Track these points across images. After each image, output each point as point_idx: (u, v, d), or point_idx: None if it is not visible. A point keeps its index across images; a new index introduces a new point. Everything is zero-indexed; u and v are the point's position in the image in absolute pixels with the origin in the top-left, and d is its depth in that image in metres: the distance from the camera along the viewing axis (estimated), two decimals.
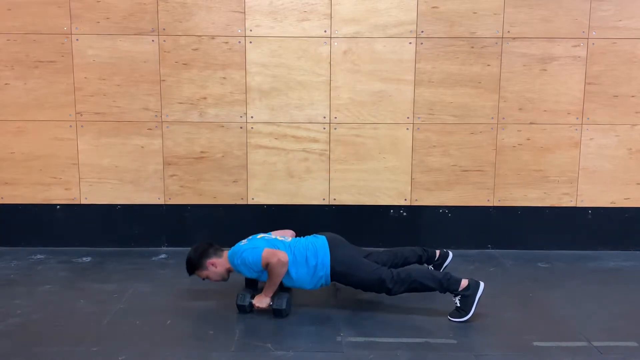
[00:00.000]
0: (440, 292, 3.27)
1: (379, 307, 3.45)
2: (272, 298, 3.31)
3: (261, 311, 3.31)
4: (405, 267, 3.45)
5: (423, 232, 4.52)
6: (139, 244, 4.54)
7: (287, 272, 3.32)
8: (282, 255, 3.26)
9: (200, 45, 4.34)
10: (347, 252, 3.41)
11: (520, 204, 4.51)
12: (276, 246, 3.36)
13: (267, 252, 3.26)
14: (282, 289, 3.43)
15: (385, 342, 3.00)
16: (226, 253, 3.46)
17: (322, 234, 3.50)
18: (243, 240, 3.49)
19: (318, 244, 3.39)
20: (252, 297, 3.34)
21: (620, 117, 4.43)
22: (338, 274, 3.36)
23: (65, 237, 4.52)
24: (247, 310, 3.32)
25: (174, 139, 4.44)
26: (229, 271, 3.47)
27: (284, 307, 3.25)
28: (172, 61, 4.35)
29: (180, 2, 4.29)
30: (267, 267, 3.26)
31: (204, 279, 3.49)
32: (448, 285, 3.24)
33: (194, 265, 3.45)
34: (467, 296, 3.22)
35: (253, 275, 3.36)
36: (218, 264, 3.43)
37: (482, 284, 3.24)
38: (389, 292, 3.30)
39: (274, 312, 3.28)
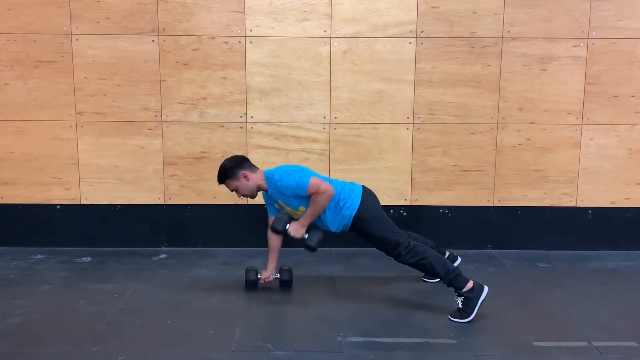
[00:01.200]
0: (444, 282, 3.27)
1: (379, 307, 3.45)
2: (307, 231, 3.37)
3: (261, 310, 3.30)
4: (424, 245, 3.45)
5: (423, 232, 4.49)
6: (139, 244, 4.54)
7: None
8: (329, 188, 3.31)
9: (200, 45, 4.34)
10: (377, 207, 3.49)
11: (520, 204, 4.52)
12: (324, 179, 3.41)
13: (316, 180, 3.32)
14: (279, 288, 3.47)
15: (385, 342, 3.00)
16: (261, 171, 3.51)
17: (360, 184, 3.56)
18: (282, 165, 3.55)
19: (354, 187, 3.47)
20: (288, 223, 3.37)
21: (620, 117, 4.43)
22: (361, 220, 3.39)
23: (65, 237, 4.52)
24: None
25: (174, 139, 4.44)
26: (259, 189, 3.49)
27: (314, 244, 3.33)
28: (172, 61, 4.35)
29: (180, 2, 4.29)
30: (311, 195, 3.30)
31: (232, 190, 3.51)
32: (454, 280, 3.24)
33: (226, 173, 3.47)
34: (470, 298, 3.22)
35: (288, 198, 3.39)
36: (251, 177, 3.46)
37: (486, 289, 3.24)
38: (398, 257, 3.34)
39: (305, 246, 3.35)
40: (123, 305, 3.46)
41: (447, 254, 3.81)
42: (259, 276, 3.69)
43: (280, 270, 3.70)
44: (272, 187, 3.43)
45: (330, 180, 3.49)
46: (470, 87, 4.39)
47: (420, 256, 3.30)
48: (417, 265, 3.34)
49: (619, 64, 4.37)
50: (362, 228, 3.43)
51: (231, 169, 3.46)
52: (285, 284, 3.71)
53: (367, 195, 3.49)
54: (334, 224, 3.45)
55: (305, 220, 3.37)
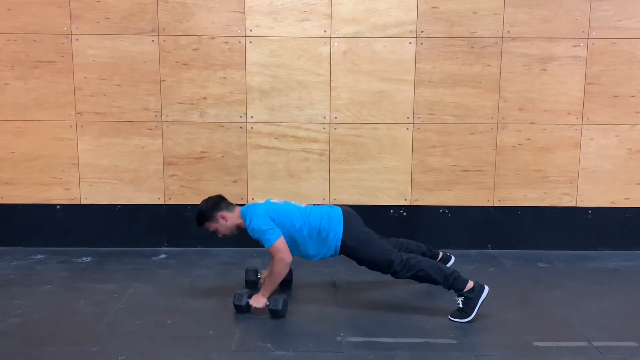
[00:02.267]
0: (445, 287, 3.27)
1: (379, 307, 3.45)
2: (269, 299, 3.31)
3: (259, 311, 3.31)
4: (416, 255, 3.42)
5: (423, 232, 4.52)
6: (139, 244, 4.54)
7: (298, 241, 3.34)
8: (287, 256, 3.26)
9: (200, 45, 4.34)
10: (361, 228, 3.42)
11: (520, 204, 4.51)
12: (291, 216, 3.35)
13: (280, 244, 3.26)
14: (280, 288, 3.44)
15: (385, 342, 3.00)
16: (239, 209, 3.47)
17: (338, 205, 3.51)
18: (259, 201, 3.51)
19: (333, 214, 3.39)
20: (250, 296, 3.34)
21: (620, 117, 4.43)
22: (348, 247, 3.35)
23: (65, 237, 4.52)
24: (244, 310, 3.32)
25: (174, 139, 4.44)
26: (238, 227, 3.46)
27: (280, 307, 3.25)
28: (172, 61, 4.35)
29: (180, 2, 4.29)
30: (272, 256, 3.27)
31: (212, 232, 3.49)
32: (454, 283, 3.23)
33: (204, 216, 3.45)
34: (471, 298, 3.21)
35: (255, 237, 3.35)
36: (229, 217, 3.43)
37: (486, 288, 3.24)
38: (395, 275, 3.31)
39: (270, 313, 3.28)
40: (123, 305, 3.46)
41: (441, 254, 3.79)
42: (259, 276, 3.69)
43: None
44: (246, 226, 3.38)
45: (309, 210, 3.42)
46: (470, 87, 4.39)
47: (417, 268, 3.27)
48: (415, 278, 3.32)
49: (619, 64, 4.37)
50: (350, 254, 3.40)
51: (208, 212, 3.44)
52: (285, 283, 3.71)
53: (349, 218, 3.40)
54: (319, 255, 3.40)
55: (265, 291, 3.32)
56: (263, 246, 3.32)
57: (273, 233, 3.28)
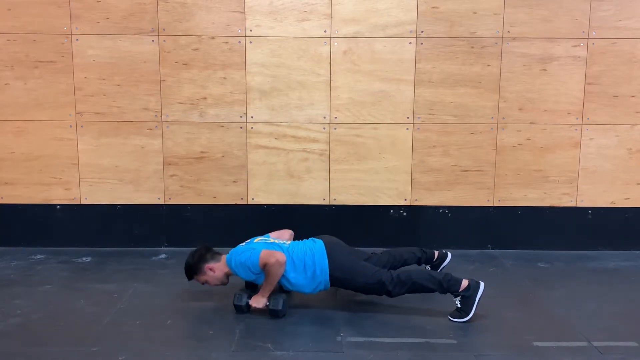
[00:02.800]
0: (441, 293, 3.27)
1: (379, 307, 3.45)
2: (269, 299, 3.30)
3: (259, 311, 3.31)
4: (405, 268, 3.44)
5: (423, 232, 4.52)
6: (139, 244, 4.54)
7: (287, 278, 3.32)
8: (280, 256, 3.26)
9: (200, 45, 4.34)
10: (346, 257, 3.39)
11: (520, 204, 4.51)
12: (274, 249, 3.36)
13: (265, 253, 3.27)
14: (280, 288, 3.44)
15: (385, 342, 3.00)
16: (224, 257, 3.45)
17: (319, 238, 3.49)
18: (241, 244, 3.49)
19: (316, 249, 3.37)
20: (249, 297, 3.34)
21: (620, 117, 4.43)
22: (337, 279, 3.35)
23: (65, 237, 4.52)
24: (244, 310, 3.32)
25: (174, 139, 4.44)
26: (227, 275, 3.45)
27: (280, 307, 3.25)
28: (172, 61, 4.35)
29: (180, 2, 4.29)
30: (265, 268, 3.26)
31: (203, 284, 3.49)
32: (448, 286, 3.24)
33: (192, 271, 3.44)
34: (468, 297, 3.22)
35: (251, 278, 3.35)
36: (216, 268, 3.42)
37: (482, 284, 3.24)
38: (390, 295, 3.30)
39: (270, 313, 3.28)
40: (123, 305, 3.46)
41: (436, 253, 3.76)
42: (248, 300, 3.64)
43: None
44: (234, 271, 3.38)
45: (291, 250, 3.38)
46: (470, 87, 4.39)
47: (409, 282, 3.27)
48: (410, 292, 3.31)
49: (619, 64, 4.37)
50: (341, 285, 3.40)
51: (195, 266, 3.42)
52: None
53: (331, 250, 3.37)
54: (310, 288, 3.37)
55: (264, 291, 3.31)
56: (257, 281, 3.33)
57: (252, 251, 3.29)
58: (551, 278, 3.99)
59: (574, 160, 4.47)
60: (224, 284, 3.48)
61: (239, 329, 3.15)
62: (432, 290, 3.27)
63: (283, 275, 3.31)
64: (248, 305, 3.32)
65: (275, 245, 3.41)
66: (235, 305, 3.33)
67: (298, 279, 3.33)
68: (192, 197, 4.49)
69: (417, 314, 3.34)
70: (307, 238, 3.53)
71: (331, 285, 3.38)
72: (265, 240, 3.49)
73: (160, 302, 3.51)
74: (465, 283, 3.24)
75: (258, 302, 3.31)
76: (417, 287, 3.28)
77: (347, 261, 3.37)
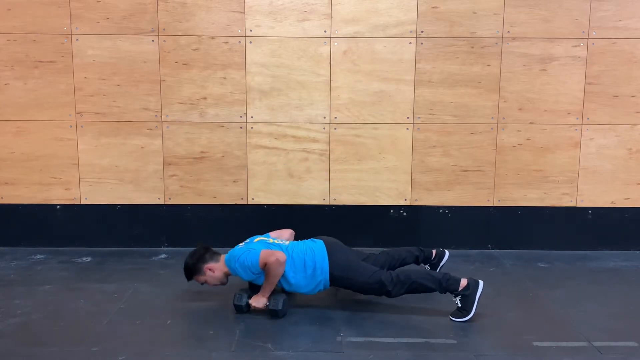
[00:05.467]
0: (440, 292, 3.27)
1: (379, 307, 3.45)
2: (269, 299, 3.30)
3: (259, 311, 3.31)
4: (404, 268, 3.45)
5: (423, 232, 4.52)
6: (139, 244, 4.54)
7: (286, 277, 3.32)
8: (280, 255, 3.26)
9: (200, 45, 4.34)
10: (346, 257, 3.39)
11: (520, 204, 4.51)
12: (274, 249, 3.36)
13: (264, 253, 3.27)
14: (282, 290, 3.44)
15: (385, 342, 3.00)
16: (223, 257, 3.46)
17: (319, 238, 3.49)
18: (240, 244, 3.49)
19: (316, 249, 3.38)
20: (249, 297, 3.34)
21: (620, 117, 4.43)
22: (337, 279, 3.36)
23: (65, 237, 4.52)
24: (244, 310, 3.32)
25: (174, 139, 4.44)
26: (227, 275, 3.46)
27: (279, 307, 3.25)
28: (172, 61, 4.35)
29: (180, 2, 4.29)
30: (265, 268, 3.26)
31: (202, 284, 3.49)
32: (447, 286, 3.24)
33: (191, 271, 3.44)
34: (467, 296, 3.22)
35: (251, 278, 3.35)
36: (215, 268, 3.42)
37: (481, 283, 3.25)
38: (389, 295, 3.31)
39: (270, 313, 3.28)
40: (123, 305, 3.46)
41: (434, 252, 3.77)
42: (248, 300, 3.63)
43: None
44: (234, 272, 3.38)
45: (290, 250, 3.39)
46: (470, 87, 4.39)
47: (408, 282, 3.27)
48: (410, 292, 3.31)
49: (619, 64, 4.37)
50: (340, 284, 3.40)
51: (195, 266, 3.42)
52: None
53: (331, 249, 3.38)
54: (309, 288, 3.37)
55: (265, 291, 3.31)
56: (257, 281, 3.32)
57: (252, 251, 3.29)
58: (551, 278, 3.99)
59: (574, 160, 4.47)
60: (223, 283, 3.49)
61: (239, 329, 3.15)
62: (431, 290, 3.28)
63: (282, 276, 3.31)
64: (248, 305, 3.32)
65: (275, 245, 3.41)
66: (235, 305, 3.33)
67: (297, 279, 3.33)
68: (192, 197, 4.50)
69: (417, 314, 3.34)
70: (307, 238, 3.53)
71: (331, 285, 3.39)
72: (265, 239, 3.49)
73: (160, 302, 3.51)
74: (464, 282, 3.24)
75: (258, 302, 3.31)
76: (416, 287, 3.28)
77: (347, 261, 3.37)
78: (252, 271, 3.30)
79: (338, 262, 3.35)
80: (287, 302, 3.33)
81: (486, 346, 2.99)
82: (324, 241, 3.44)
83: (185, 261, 3.46)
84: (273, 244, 3.43)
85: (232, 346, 2.95)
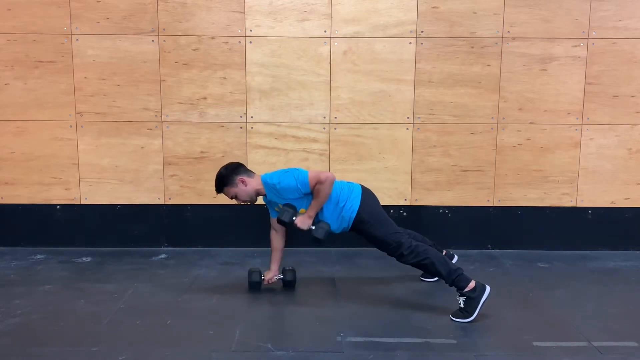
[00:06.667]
0: (447, 282, 3.27)
1: (379, 307, 3.45)
2: (314, 224, 3.37)
3: (261, 311, 3.30)
4: (425, 245, 3.44)
5: (423, 232, 4.48)
6: (139, 244, 4.54)
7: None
8: (330, 175, 3.32)
9: (200, 45, 4.34)
10: (377, 206, 3.49)
11: (520, 204, 4.52)
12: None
13: (315, 172, 3.34)
14: (283, 288, 3.46)
15: (385, 342, 3.00)
16: (259, 175, 3.49)
17: (358, 184, 3.56)
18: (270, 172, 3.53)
19: (353, 188, 3.48)
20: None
21: (620, 117, 4.43)
22: (362, 222, 3.40)
23: (65, 237, 4.52)
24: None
25: (174, 139, 4.44)
26: (257, 194, 3.48)
27: (322, 237, 3.33)
28: (172, 61, 4.35)
29: (180, 2, 4.29)
30: (314, 187, 3.31)
31: (231, 198, 3.49)
32: (456, 280, 3.24)
33: (224, 180, 3.45)
34: (472, 298, 3.21)
35: (293, 197, 3.38)
36: (248, 182, 3.44)
37: (488, 288, 3.24)
38: (400, 258, 3.35)
39: (312, 240, 3.36)
40: (123, 305, 3.46)
41: (444, 252, 3.80)
42: (262, 277, 3.69)
43: (284, 271, 3.70)
44: (271, 191, 3.42)
45: None
46: (470, 87, 4.39)
47: (423, 256, 3.30)
48: (419, 265, 3.34)
49: (619, 64, 4.37)
50: (362, 229, 3.43)
51: (228, 176, 3.44)
52: (288, 284, 3.71)
53: (367, 195, 3.48)
54: (334, 225, 3.44)
55: (311, 211, 3.37)
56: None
57: (299, 172, 3.36)
58: (551, 278, 3.99)
59: (574, 160, 4.47)
60: (252, 201, 3.51)
61: (239, 329, 3.14)
62: (439, 275, 3.29)
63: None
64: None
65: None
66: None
67: (327, 210, 3.40)
68: (192, 197, 4.50)
69: (417, 314, 3.34)
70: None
71: (352, 229, 3.45)
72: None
73: (160, 302, 3.51)
74: (472, 284, 3.23)
75: (303, 223, 3.37)
76: (428, 264, 3.30)
77: (377, 210, 3.47)
78: (302, 190, 3.34)
79: (369, 207, 3.43)
80: (329, 232, 3.39)
81: (486, 346, 2.99)
82: (362, 187, 3.52)
83: (219, 171, 3.48)
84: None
85: (232, 346, 2.95)
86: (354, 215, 3.39)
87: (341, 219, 3.41)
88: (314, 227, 3.37)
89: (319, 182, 3.29)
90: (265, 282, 3.65)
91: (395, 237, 3.35)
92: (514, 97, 4.40)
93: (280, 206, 3.45)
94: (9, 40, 4.32)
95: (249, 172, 3.50)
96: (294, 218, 3.37)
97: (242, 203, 3.52)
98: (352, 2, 4.29)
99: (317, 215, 3.43)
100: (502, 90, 4.39)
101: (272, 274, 3.66)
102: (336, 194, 3.41)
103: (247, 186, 3.44)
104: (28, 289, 3.71)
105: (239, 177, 3.43)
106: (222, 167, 3.50)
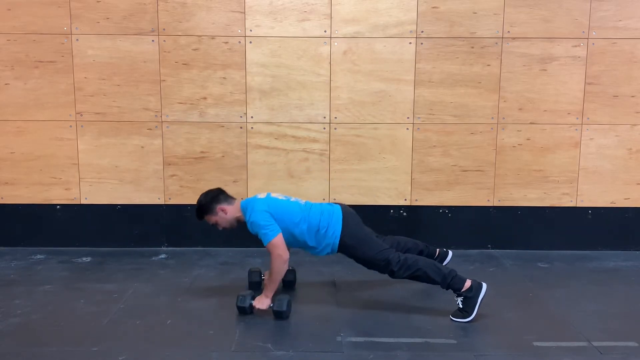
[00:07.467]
0: (442, 287, 3.27)
1: (379, 307, 3.45)
2: (273, 299, 3.30)
3: (261, 312, 3.31)
4: (413, 255, 3.43)
5: (423, 232, 4.51)
6: (139, 244, 4.54)
7: (297, 236, 3.34)
8: (285, 253, 3.26)
9: (200, 45, 4.34)
10: (360, 227, 3.43)
11: (520, 204, 4.51)
12: (290, 211, 3.36)
13: (278, 241, 3.25)
14: (283, 289, 3.44)
15: (385, 342, 3.00)
16: (238, 202, 3.48)
17: (338, 204, 3.51)
18: (261, 194, 3.50)
19: (333, 212, 3.40)
20: (253, 298, 3.34)
21: (620, 117, 4.43)
22: (346, 246, 3.37)
23: (65, 237, 4.52)
24: (247, 312, 3.32)
25: (174, 139, 4.44)
26: (238, 220, 3.47)
27: (284, 309, 3.25)
28: (172, 61, 4.35)
29: (180, 2, 4.29)
30: (269, 251, 3.27)
31: (212, 225, 3.49)
32: (452, 283, 3.24)
33: (204, 210, 3.46)
34: (470, 297, 3.21)
35: (253, 232, 3.35)
36: (228, 210, 3.44)
37: (484, 286, 3.24)
38: (392, 275, 3.32)
39: (274, 314, 3.28)
40: (123, 305, 3.46)
41: (437, 251, 3.79)
42: (262, 277, 3.68)
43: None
44: (245, 220, 3.40)
45: (308, 207, 3.43)
46: (470, 87, 4.39)
47: (414, 268, 3.28)
48: (413, 278, 3.32)
49: (619, 64, 4.37)
50: (348, 252, 3.41)
51: (208, 205, 3.44)
52: (289, 284, 3.71)
53: (348, 218, 3.40)
54: (318, 248, 3.40)
55: (268, 292, 3.31)
56: (262, 244, 3.32)
57: (272, 229, 3.28)
58: (551, 278, 3.99)
59: (574, 160, 4.47)
60: (233, 228, 3.50)
61: (239, 329, 3.14)
62: (434, 282, 3.27)
63: (293, 234, 3.33)
64: (251, 307, 3.32)
65: (294, 205, 3.41)
66: (238, 307, 3.32)
67: (306, 238, 3.35)
68: (192, 197, 4.49)
69: (417, 314, 3.34)
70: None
71: (339, 251, 3.41)
72: (285, 198, 3.48)
73: (160, 302, 3.51)
74: (468, 283, 3.24)
75: (262, 303, 3.30)
76: (420, 275, 3.28)
77: (360, 231, 3.40)
78: (258, 236, 3.31)
79: (351, 230, 3.37)
80: (292, 303, 3.33)
81: (486, 346, 2.99)
82: (341, 207, 3.46)
83: (199, 199, 3.48)
84: (289, 201, 3.44)
85: (232, 346, 2.95)
86: (337, 241, 3.35)
87: (325, 245, 3.37)
88: (273, 305, 3.27)
89: (271, 253, 3.24)
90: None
91: (382, 255, 3.31)
92: (514, 97, 4.40)
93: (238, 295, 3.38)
94: (9, 40, 4.32)
95: (229, 200, 3.48)
96: (252, 302, 3.29)
97: (221, 229, 3.51)
98: (352, 2, 4.29)
99: (299, 243, 3.39)
100: (502, 90, 4.39)
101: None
102: (316, 220, 3.35)
103: (227, 214, 3.44)
104: (28, 289, 3.71)
105: (219, 206, 3.43)
106: (202, 195, 3.49)
